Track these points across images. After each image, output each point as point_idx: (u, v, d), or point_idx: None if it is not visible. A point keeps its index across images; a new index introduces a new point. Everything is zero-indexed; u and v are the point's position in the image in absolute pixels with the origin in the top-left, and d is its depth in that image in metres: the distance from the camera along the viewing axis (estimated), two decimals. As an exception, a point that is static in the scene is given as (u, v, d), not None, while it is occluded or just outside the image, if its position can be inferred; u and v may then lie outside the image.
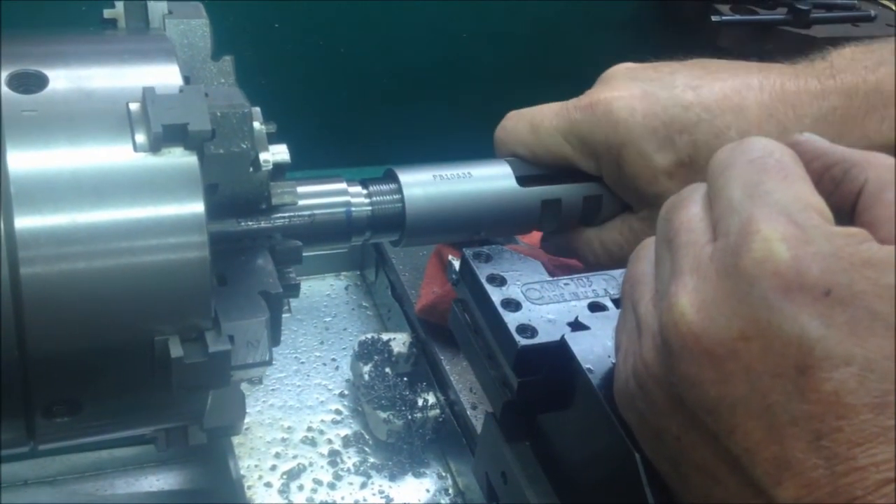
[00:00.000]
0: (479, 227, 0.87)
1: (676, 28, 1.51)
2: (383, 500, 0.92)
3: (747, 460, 0.49)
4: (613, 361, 0.63)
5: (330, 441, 0.97)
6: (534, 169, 0.89)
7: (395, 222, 0.83)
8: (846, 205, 0.54)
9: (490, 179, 0.87)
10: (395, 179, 0.84)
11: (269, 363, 0.66)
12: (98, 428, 0.69)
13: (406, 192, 0.83)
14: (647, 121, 0.84)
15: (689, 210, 0.55)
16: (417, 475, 0.95)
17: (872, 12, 1.50)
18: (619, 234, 0.90)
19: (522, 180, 0.87)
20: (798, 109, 0.84)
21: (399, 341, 1.01)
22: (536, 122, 0.89)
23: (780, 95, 0.85)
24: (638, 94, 0.85)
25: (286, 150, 0.71)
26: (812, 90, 0.85)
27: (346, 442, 0.97)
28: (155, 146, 0.60)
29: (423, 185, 0.84)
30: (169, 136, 0.60)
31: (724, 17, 1.42)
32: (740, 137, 0.80)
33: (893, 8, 1.54)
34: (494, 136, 0.93)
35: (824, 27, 1.44)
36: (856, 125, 0.83)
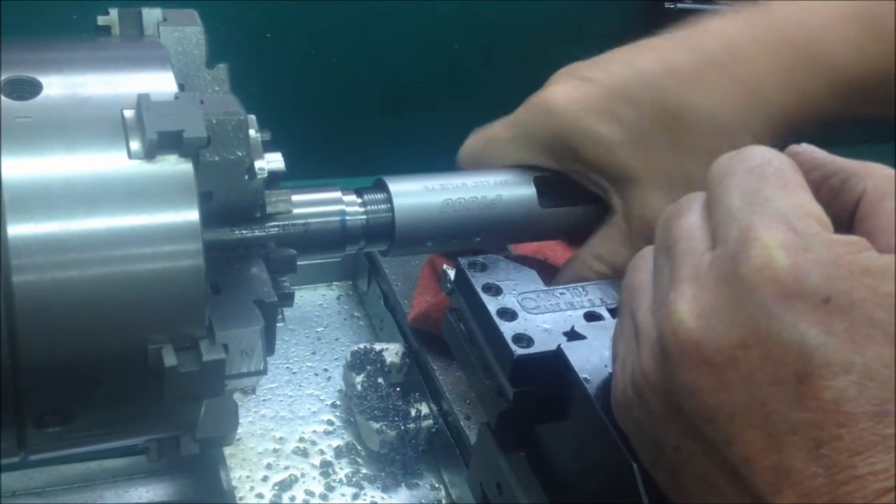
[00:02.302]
0: (470, 238, 0.87)
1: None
2: (376, 512, 0.91)
3: (746, 469, 0.48)
4: (610, 371, 0.62)
5: (322, 452, 0.97)
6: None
7: (387, 232, 0.83)
8: (844, 214, 0.54)
9: (481, 189, 0.87)
10: (385, 189, 0.83)
11: (263, 372, 0.65)
12: (90, 438, 0.68)
13: (396, 201, 0.83)
14: (583, 103, 0.84)
15: (688, 218, 0.55)
16: (410, 486, 0.94)
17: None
18: (607, 241, 0.89)
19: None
20: (734, 53, 0.84)
21: (392, 351, 1.01)
22: (489, 135, 0.91)
23: (722, 46, 0.85)
24: (573, 83, 0.86)
25: (281, 159, 0.71)
26: (745, 34, 0.85)
27: (339, 453, 0.97)
28: (150, 153, 0.59)
29: (412, 194, 0.84)
30: (164, 143, 0.59)
31: (714, 30, 1.42)
32: (679, 102, 0.82)
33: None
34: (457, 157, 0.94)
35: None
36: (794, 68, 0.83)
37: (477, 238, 0.86)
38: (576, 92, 0.85)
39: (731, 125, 0.82)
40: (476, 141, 0.92)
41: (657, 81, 0.83)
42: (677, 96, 0.83)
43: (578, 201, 0.89)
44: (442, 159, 1.15)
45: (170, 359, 0.60)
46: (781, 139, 0.78)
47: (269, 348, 0.68)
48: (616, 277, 0.80)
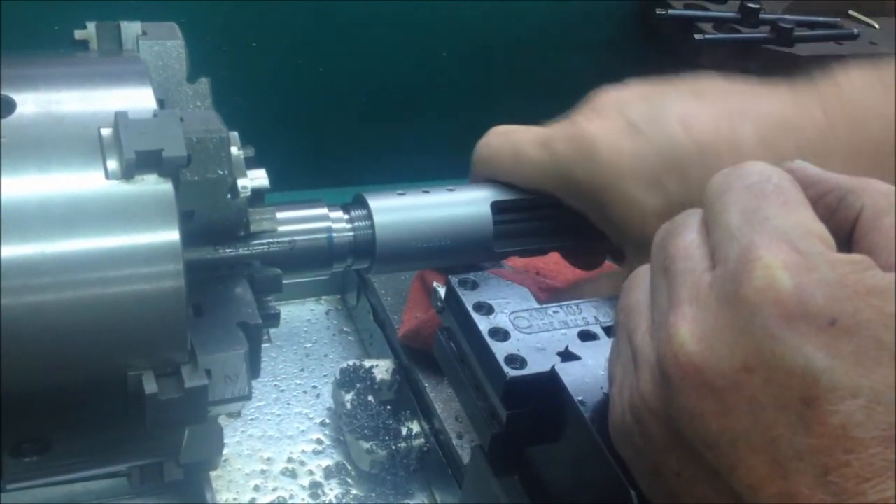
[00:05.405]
0: (456, 255, 0.84)
1: (658, 47, 1.50)
2: (367, 534, 0.89)
3: (751, 497, 0.47)
4: (606, 392, 0.61)
5: (311, 472, 0.95)
6: (515, 193, 0.86)
7: (370, 249, 0.81)
8: (842, 232, 0.53)
9: (466, 205, 0.84)
10: (366, 205, 0.81)
11: (248, 397, 0.63)
12: (68, 466, 0.66)
13: (376, 218, 0.80)
14: (633, 162, 0.77)
15: (686, 237, 0.53)
16: (402, 507, 0.92)
17: (855, 30, 1.49)
18: (614, 286, 0.80)
19: (499, 208, 0.83)
20: (802, 143, 0.76)
21: (382, 368, 0.99)
22: (519, 148, 0.83)
23: (780, 126, 0.78)
24: (624, 129, 0.79)
25: (265, 175, 0.69)
26: (817, 121, 0.78)
27: (328, 473, 0.94)
28: (128, 173, 0.57)
29: (394, 210, 0.81)
30: (142, 162, 0.57)
31: (706, 36, 1.41)
32: None
33: (876, 26, 1.53)
34: (475, 152, 0.87)
35: (808, 45, 1.44)
36: (867, 161, 0.75)
37: (463, 255, 0.84)
38: (623, 144, 0.78)
39: None
40: (502, 147, 0.85)
41: (713, 157, 0.76)
42: None
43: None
44: (432, 169, 1.13)
45: (150, 386, 0.58)
46: None
47: (254, 372, 0.66)
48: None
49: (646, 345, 0.52)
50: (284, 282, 0.73)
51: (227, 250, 0.69)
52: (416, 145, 1.45)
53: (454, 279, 0.73)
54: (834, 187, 0.54)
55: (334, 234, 0.78)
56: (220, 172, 0.62)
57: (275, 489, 0.92)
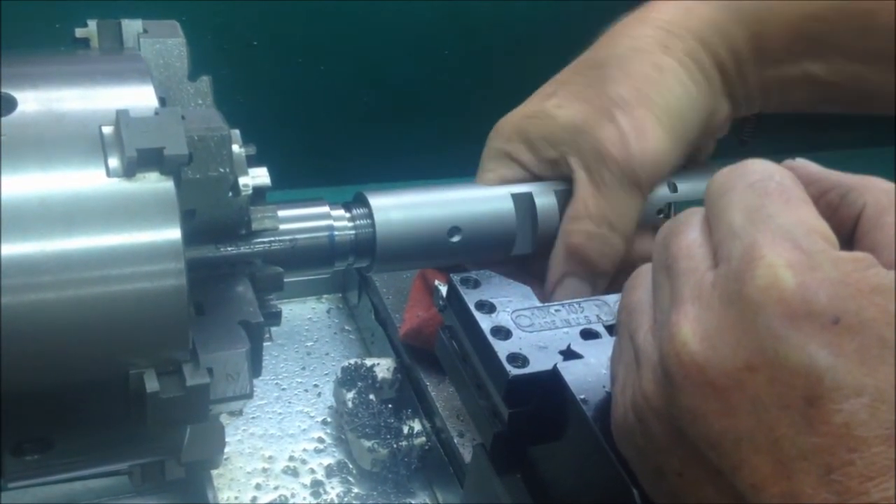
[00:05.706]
0: (455, 255, 0.84)
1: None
2: (368, 533, 0.89)
3: (754, 496, 0.47)
4: (608, 391, 0.61)
5: (312, 471, 0.94)
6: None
7: (370, 248, 0.81)
8: (844, 230, 0.53)
9: (466, 203, 0.84)
10: (367, 203, 0.81)
11: (249, 396, 0.63)
12: (70, 465, 0.66)
13: (377, 216, 0.80)
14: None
15: (688, 235, 0.53)
16: (403, 506, 0.92)
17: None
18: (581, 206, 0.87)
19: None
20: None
21: (383, 367, 0.99)
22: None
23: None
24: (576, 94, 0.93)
25: (266, 174, 0.69)
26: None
27: (330, 471, 0.94)
28: (129, 171, 0.57)
29: (394, 208, 0.81)
30: (144, 160, 0.57)
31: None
32: None
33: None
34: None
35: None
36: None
37: (461, 253, 0.84)
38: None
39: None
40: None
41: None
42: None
43: None
44: (432, 168, 1.13)
45: (151, 384, 0.58)
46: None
47: (256, 370, 0.66)
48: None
49: (648, 344, 0.52)
50: (286, 280, 0.73)
51: (229, 248, 0.69)
52: (416, 144, 1.45)
53: (456, 277, 0.73)
54: (836, 185, 0.54)
55: (336, 233, 0.78)
56: (222, 170, 0.62)
57: (276, 487, 0.92)
